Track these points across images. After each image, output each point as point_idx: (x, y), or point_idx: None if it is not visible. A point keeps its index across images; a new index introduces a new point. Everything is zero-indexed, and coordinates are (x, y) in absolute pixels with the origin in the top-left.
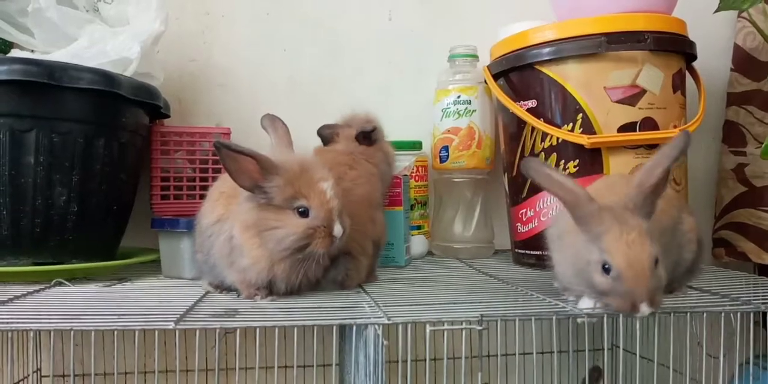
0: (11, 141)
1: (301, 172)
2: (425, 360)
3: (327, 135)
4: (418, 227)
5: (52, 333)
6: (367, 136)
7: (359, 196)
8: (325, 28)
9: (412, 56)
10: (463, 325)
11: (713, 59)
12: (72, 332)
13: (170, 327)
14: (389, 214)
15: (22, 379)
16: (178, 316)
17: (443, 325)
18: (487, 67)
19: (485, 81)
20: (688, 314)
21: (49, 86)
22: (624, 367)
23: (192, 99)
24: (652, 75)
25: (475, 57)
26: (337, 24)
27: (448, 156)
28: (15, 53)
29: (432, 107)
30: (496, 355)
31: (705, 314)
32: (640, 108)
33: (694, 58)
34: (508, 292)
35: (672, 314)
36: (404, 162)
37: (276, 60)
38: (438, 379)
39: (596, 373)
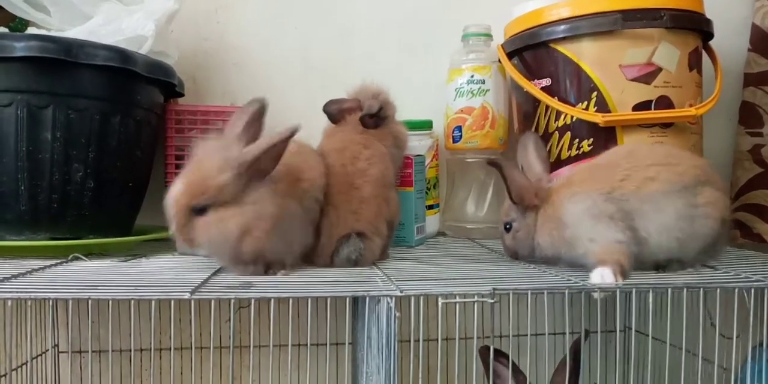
0: (29, 117)
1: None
2: (437, 339)
3: (333, 111)
4: (430, 207)
5: (69, 303)
6: (373, 117)
7: (374, 176)
8: (338, 8)
9: (424, 35)
10: (475, 298)
11: (730, 39)
12: (89, 306)
13: (186, 297)
14: (400, 195)
15: (41, 354)
16: (193, 287)
17: (455, 298)
18: (501, 45)
19: (499, 60)
20: (701, 290)
21: (65, 63)
22: (636, 349)
23: (206, 78)
24: (669, 53)
25: (488, 36)
26: (349, 3)
27: (461, 136)
28: (31, 31)
29: (445, 87)
30: (508, 336)
31: (718, 290)
32: (655, 86)
33: (711, 36)
34: (520, 269)
35: (685, 290)
36: (415, 141)
37: (289, 39)
38: (450, 360)
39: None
